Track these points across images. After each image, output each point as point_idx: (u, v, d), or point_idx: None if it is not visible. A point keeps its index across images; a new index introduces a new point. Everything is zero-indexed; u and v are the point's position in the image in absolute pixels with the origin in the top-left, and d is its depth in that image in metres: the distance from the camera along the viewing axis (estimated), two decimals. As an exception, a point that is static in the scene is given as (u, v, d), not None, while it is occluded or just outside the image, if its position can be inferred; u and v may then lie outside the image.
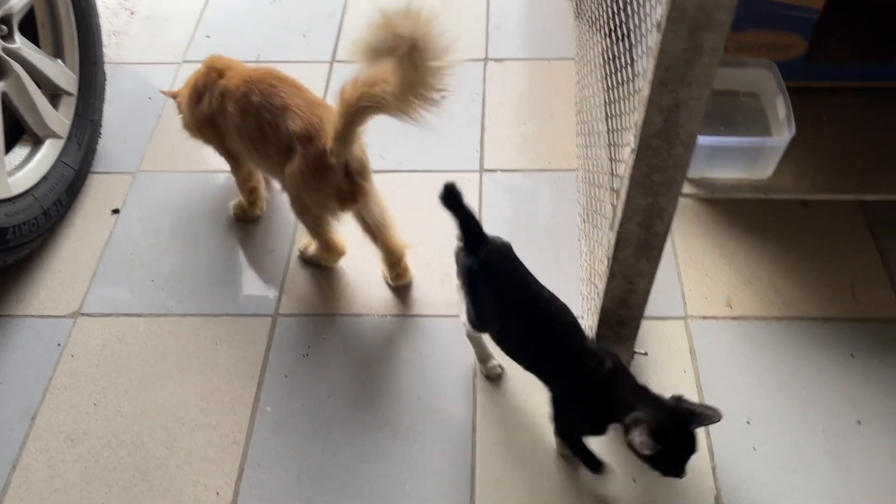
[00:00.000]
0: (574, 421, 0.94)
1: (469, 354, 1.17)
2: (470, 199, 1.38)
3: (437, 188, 0.95)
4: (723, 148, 1.14)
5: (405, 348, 1.22)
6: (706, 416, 0.80)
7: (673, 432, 0.79)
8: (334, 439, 1.12)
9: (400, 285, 1.28)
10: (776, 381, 1.14)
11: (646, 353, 1.15)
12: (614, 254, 0.87)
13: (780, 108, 1.15)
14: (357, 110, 0.97)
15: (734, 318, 1.22)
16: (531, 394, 1.13)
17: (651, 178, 0.77)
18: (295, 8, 1.83)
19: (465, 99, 1.59)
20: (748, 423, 1.10)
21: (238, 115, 1.16)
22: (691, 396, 1.11)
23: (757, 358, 1.17)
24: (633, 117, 0.75)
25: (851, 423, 1.09)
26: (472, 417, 1.13)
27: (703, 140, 1.14)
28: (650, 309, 1.23)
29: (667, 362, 1.17)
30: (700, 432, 1.09)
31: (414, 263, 1.31)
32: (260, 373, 1.20)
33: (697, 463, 1.07)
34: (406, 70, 0.89)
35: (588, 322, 1.07)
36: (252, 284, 1.31)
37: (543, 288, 0.91)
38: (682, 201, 1.37)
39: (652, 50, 0.65)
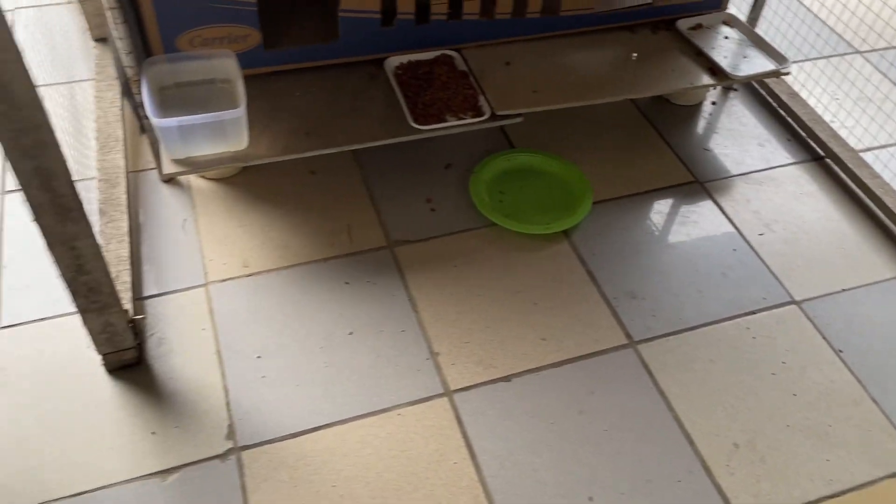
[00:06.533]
0: None
1: None
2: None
3: None
4: (190, 126, 1.29)
5: None
6: None
7: None
8: None
9: None
10: (285, 318, 1.32)
11: (144, 316, 1.26)
12: (39, 223, 0.95)
13: (241, 89, 1.34)
14: None
15: (249, 276, 1.38)
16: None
17: (21, 142, 0.86)
18: None
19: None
20: (259, 357, 1.26)
21: None
22: (209, 349, 1.25)
23: (269, 304, 1.34)
24: None
25: (344, 336, 1.30)
26: None
27: (168, 122, 1.27)
28: (174, 284, 1.34)
29: (189, 326, 1.29)
30: (216, 373, 1.22)
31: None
32: None
33: (213, 403, 1.19)
34: None
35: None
36: None
37: None
38: (203, 184, 1.51)
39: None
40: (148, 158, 1.55)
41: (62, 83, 1.70)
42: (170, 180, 1.52)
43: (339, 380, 1.24)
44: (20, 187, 0.91)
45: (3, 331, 1.26)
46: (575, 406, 1.23)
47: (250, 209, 1.49)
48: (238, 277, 1.37)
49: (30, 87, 0.82)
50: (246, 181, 1.53)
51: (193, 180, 1.52)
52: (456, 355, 1.29)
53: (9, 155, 0.87)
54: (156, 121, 1.27)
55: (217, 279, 1.36)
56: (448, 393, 1.24)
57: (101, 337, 1.15)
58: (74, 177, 0.94)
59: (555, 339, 1.32)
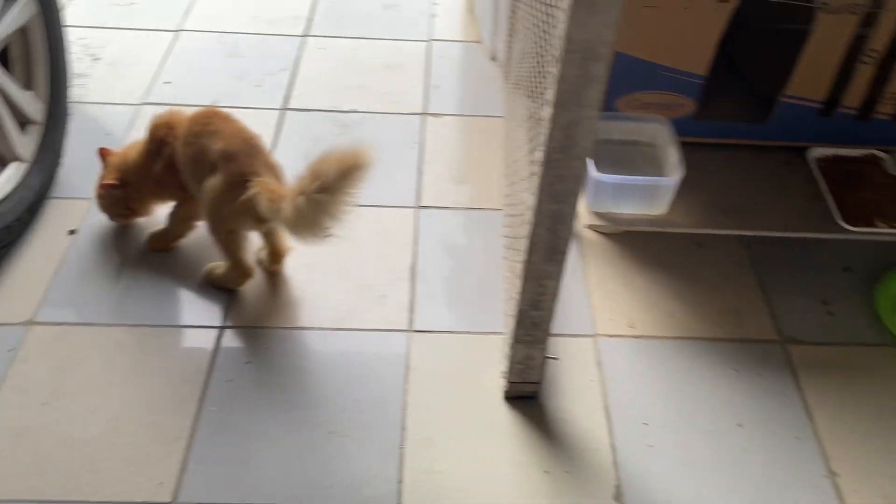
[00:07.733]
0: None
1: (399, 363, 1.30)
2: (406, 232, 1.54)
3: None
4: (625, 186, 1.33)
5: (342, 356, 1.33)
6: None
7: None
8: (272, 435, 1.21)
9: (274, 269, 1.44)
10: (670, 390, 1.30)
11: (557, 358, 1.30)
12: (528, 258, 1.03)
13: (672, 156, 1.36)
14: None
15: (635, 337, 1.38)
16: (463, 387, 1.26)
17: (555, 188, 0.93)
18: (251, 62, 2.00)
19: (405, 145, 1.77)
20: (645, 424, 1.25)
21: (182, 148, 1.30)
22: (596, 402, 1.27)
23: (654, 371, 1.33)
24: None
25: (733, 426, 1.25)
26: (402, 416, 1.25)
27: (608, 178, 1.33)
28: (565, 328, 1.39)
29: (577, 373, 1.32)
30: (603, 429, 1.24)
31: (352, 285, 1.44)
32: (205, 377, 1.29)
33: (601, 458, 1.21)
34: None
35: (507, 330, 1.21)
36: (200, 298, 1.41)
37: None
38: (593, 237, 1.56)
39: (554, 77, 0.82)
40: (546, 201, 1.63)
41: (467, 115, 1.86)
42: (562, 226, 1.58)
43: (727, 471, 1.19)
44: (533, 224, 0.98)
45: (415, 334, 1.38)
46: None
47: (636, 269, 1.50)
48: (624, 336, 1.39)
49: (588, 144, 0.89)
50: (631, 239, 1.55)
51: (584, 230, 1.58)
52: (859, 482, 1.18)
53: (541, 195, 0.94)
54: (595, 175, 1.33)
55: (604, 333, 1.39)
56: (851, 522, 1.14)
57: (517, 367, 1.21)
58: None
59: (980, 496, 1.16)
